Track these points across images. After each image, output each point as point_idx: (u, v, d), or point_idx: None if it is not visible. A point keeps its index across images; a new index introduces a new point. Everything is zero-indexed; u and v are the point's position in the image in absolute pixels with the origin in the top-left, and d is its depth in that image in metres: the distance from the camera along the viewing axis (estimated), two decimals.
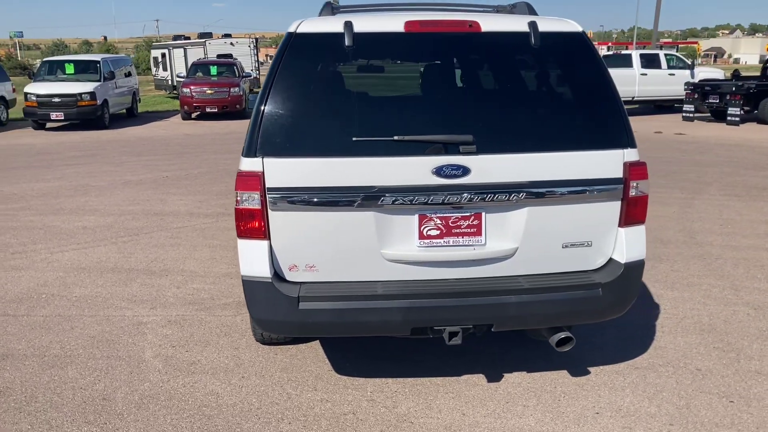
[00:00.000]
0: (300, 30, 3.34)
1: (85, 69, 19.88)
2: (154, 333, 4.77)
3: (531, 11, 3.85)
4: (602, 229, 3.46)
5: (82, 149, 15.08)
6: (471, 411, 3.67)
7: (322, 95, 3.32)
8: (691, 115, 19.82)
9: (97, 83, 19.08)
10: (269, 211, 3.23)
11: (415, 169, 3.22)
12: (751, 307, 5.17)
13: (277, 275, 3.34)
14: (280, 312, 3.28)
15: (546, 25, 3.43)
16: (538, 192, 3.31)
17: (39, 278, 6.01)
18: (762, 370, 4.12)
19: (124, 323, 4.96)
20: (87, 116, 18.72)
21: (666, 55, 22.16)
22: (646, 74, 20.93)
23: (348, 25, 3.29)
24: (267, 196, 3.21)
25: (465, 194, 3.25)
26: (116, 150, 14.86)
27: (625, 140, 3.41)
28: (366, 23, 3.36)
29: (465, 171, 3.24)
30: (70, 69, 20.04)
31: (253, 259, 3.28)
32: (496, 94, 3.50)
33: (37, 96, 18.53)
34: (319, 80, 3.34)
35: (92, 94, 18.63)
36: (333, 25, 3.33)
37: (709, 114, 20.28)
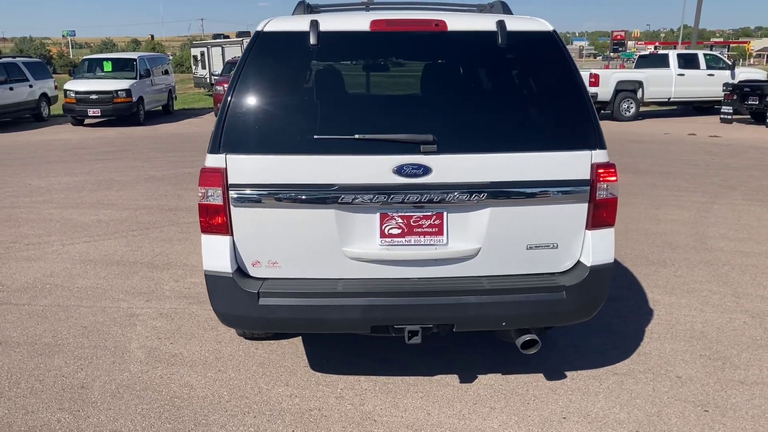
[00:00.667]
0: (267, 29, 3.38)
1: (122, 67, 20.43)
2: (144, 325, 4.89)
3: (505, 10, 3.82)
4: (569, 232, 3.41)
5: (115, 145, 15.49)
6: (436, 411, 3.67)
7: (286, 94, 3.36)
8: (730, 117, 19.27)
9: (133, 81, 19.59)
10: (232, 207, 3.29)
11: (376, 168, 3.24)
12: (750, 315, 5.02)
13: (240, 270, 3.39)
14: (240, 307, 3.33)
15: (514, 24, 3.40)
16: (500, 192, 3.28)
17: (47, 269, 6.21)
18: (746, 379, 4.01)
19: (117, 314, 5.09)
20: (122, 113, 19.23)
21: (705, 55, 21.57)
22: (683, 75, 20.42)
23: (314, 24, 3.32)
24: (229, 192, 3.26)
25: (426, 194, 3.25)
26: (147, 146, 15.22)
27: (594, 141, 3.35)
28: (332, 22, 3.38)
29: (426, 170, 3.23)
30: (108, 67, 20.60)
31: (215, 254, 3.34)
32: (460, 94, 3.48)
33: (76, 93, 19.13)
34: (283, 79, 3.38)
35: (128, 92, 19.13)
36: (299, 23, 3.37)
37: (748, 116, 19.67)
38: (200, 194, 3.31)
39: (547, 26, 3.45)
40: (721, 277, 5.91)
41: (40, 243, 7.11)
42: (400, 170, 3.22)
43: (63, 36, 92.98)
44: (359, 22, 3.39)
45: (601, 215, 3.41)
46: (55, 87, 21.95)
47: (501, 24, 3.35)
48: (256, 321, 3.38)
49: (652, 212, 8.33)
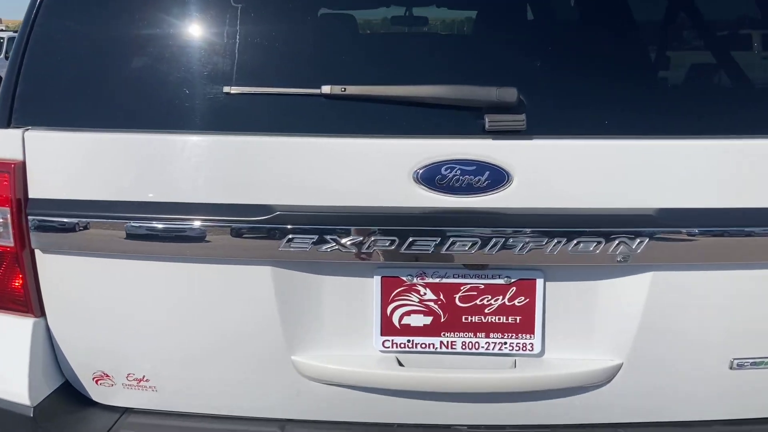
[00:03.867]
0: None
1: None
2: None
3: None
4: None
5: None
6: None
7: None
8: None
9: None
10: (39, 252, 1.41)
11: (374, 169, 1.32)
12: None
13: (65, 392, 1.53)
14: None
15: None
16: (678, 236, 1.31)
17: None
18: None
19: None
20: None
21: None
22: None
23: None
24: (29, 218, 1.38)
25: (496, 234, 1.30)
26: None
27: None
28: None
29: (498, 177, 1.31)
30: None
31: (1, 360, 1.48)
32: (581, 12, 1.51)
33: None
34: None
35: None
36: None
37: None
38: None
39: None
40: None
41: None
42: (431, 176, 1.31)
43: None
44: None
45: None
46: None
47: None
48: None
49: None
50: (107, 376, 1.51)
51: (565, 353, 1.42)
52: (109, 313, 1.44)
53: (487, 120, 1.29)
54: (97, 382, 1.52)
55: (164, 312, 1.43)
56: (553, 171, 1.32)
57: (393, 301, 1.40)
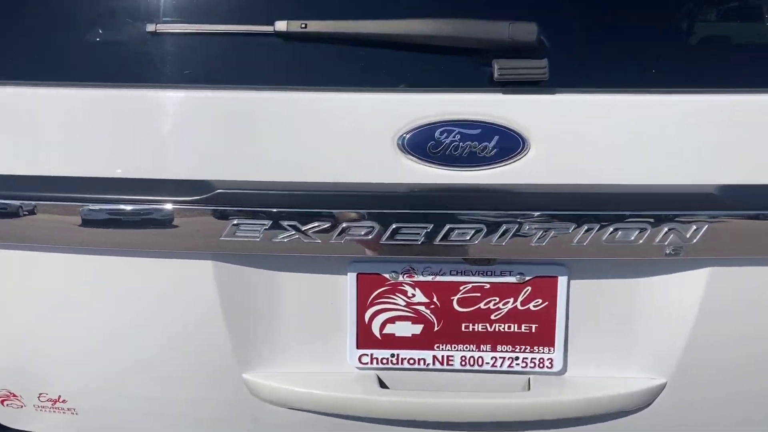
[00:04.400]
0: None
1: None
2: None
3: None
4: None
5: None
6: None
7: None
8: None
9: None
10: None
11: (346, 133, 1.02)
12: None
13: None
14: None
15: None
16: (746, 221, 1.01)
17: None
18: None
19: None
20: None
21: None
22: None
23: None
24: None
25: (507, 221, 0.99)
26: None
27: None
28: None
29: (510, 144, 1.00)
30: None
31: None
32: None
33: None
34: None
35: None
36: None
37: None
38: None
39: None
40: None
41: None
42: (421, 142, 0.99)
43: None
44: None
45: None
46: None
47: None
48: None
49: None
50: (14, 395, 1.21)
51: (593, 370, 1.13)
52: (7, 319, 1.13)
53: (496, 67, 0.96)
54: (2, 402, 1.22)
55: (79, 317, 1.12)
56: (583, 136, 1.00)
57: (372, 304, 1.10)
